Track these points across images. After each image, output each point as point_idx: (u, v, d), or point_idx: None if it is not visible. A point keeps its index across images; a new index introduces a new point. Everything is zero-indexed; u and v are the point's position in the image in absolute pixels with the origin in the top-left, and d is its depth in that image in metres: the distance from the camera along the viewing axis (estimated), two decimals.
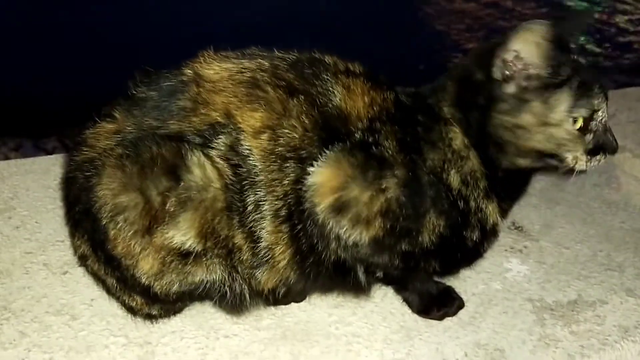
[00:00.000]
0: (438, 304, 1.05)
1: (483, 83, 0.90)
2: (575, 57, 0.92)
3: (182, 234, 0.84)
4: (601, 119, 0.91)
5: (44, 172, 1.37)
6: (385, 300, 1.08)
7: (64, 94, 2.66)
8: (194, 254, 0.86)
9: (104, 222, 0.85)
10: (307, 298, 1.06)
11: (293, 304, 1.05)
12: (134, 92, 0.89)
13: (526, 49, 0.85)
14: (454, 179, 0.92)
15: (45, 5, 3.42)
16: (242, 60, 0.91)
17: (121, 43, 2.91)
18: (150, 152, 0.84)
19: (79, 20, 3.30)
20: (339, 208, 0.87)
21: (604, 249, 1.28)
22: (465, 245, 0.95)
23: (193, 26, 3.24)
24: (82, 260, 0.97)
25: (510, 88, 0.88)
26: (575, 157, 0.91)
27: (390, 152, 0.88)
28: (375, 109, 0.90)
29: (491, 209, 0.95)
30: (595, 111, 0.89)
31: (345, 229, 0.87)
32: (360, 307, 1.06)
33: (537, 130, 0.89)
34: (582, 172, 0.93)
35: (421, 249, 0.91)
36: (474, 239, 0.95)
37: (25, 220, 1.23)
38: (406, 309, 1.06)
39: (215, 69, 0.89)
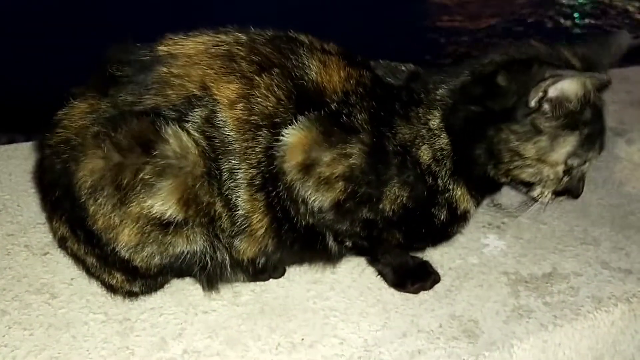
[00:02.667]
0: (413, 277, 1.07)
1: (511, 96, 0.89)
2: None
3: (161, 202, 0.85)
4: (585, 169, 0.94)
5: (25, 158, 1.37)
6: (362, 276, 1.09)
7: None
8: (174, 224, 0.87)
9: (83, 199, 0.86)
10: (286, 274, 1.07)
11: (272, 280, 1.06)
12: (109, 70, 0.90)
13: (574, 95, 0.87)
14: (425, 153, 0.93)
15: None
16: (219, 35, 0.92)
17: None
18: (125, 128, 0.85)
19: None
20: (305, 168, 0.89)
21: (581, 224, 1.29)
22: (432, 223, 0.97)
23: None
24: (62, 242, 0.98)
25: (536, 119, 0.89)
26: (542, 193, 0.95)
27: (360, 122, 0.90)
28: (351, 82, 0.92)
29: (460, 193, 0.97)
30: (585, 162, 0.92)
31: (309, 191, 0.90)
32: (338, 283, 1.08)
33: (531, 164, 0.91)
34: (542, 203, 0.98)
35: (383, 217, 0.93)
36: (442, 218, 0.97)
37: (7, 203, 1.24)
38: (383, 284, 1.08)
39: (190, 44, 0.91)
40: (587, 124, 0.90)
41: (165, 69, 0.88)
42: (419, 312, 1.03)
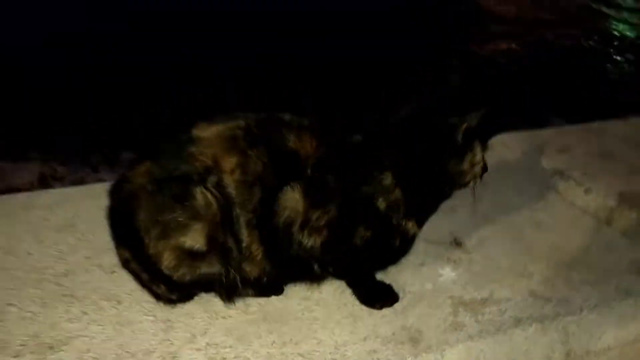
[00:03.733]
0: (379, 297, 1.45)
1: (438, 144, 1.31)
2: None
3: (193, 239, 1.26)
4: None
5: (97, 197, 1.80)
6: (342, 296, 1.47)
7: None
8: (200, 253, 1.28)
9: (141, 234, 1.28)
10: (283, 292, 1.46)
11: (273, 297, 1.45)
12: (161, 145, 1.32)
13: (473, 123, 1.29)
14: (382, 204, 1.32)
15: None
16: (227, 123, 1.33)
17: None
18: (168, 188, 1.26)
19: None
20: (303, 225, 1.28)
21: (523, 261, 1.65)
22: (391, 248, 1.37)
23: None
24: (125, 263, 1.39)
25: (463, 146, 1.31)
26: (477, 182, 1.38)
27: (332, 184, 1.29)
28: (320, 152, 1.31)
29: (410, 225, 1.36)
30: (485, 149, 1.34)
31: (304, 237, 1.29)
32: (322, 300, 1.46)
33: (470, 170, 1.34)
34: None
35: (355, 249, 1.33)
36: (397, 244, 1.37)
37: (85, 233, 1.67)
38: (356, 302, 1.45)
39: (210, 129, 1.31)
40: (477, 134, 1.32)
41: (194, 148, 1.29)
42: (379, 323, 1.40)
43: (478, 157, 1.33)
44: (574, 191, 2.06)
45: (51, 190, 1.90)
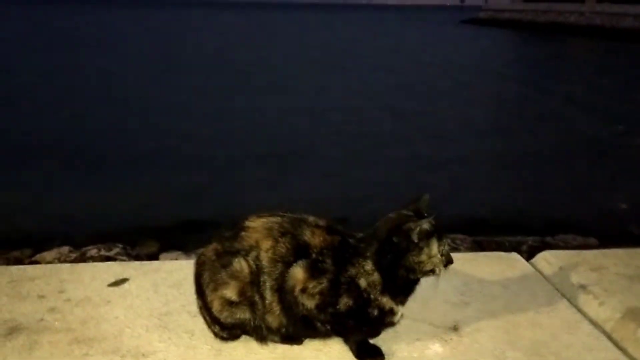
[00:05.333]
0: (369, 355, 1.93)
1: (401, 242, 1.83)
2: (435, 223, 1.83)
3: (230, 292, 1.89)
4: (447, 251, 1.83)
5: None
6: (344, 351, 1.98)
7: None
8: (235, 303, 1.90)
9: (204, 288, 1.95)
10: (303, 343, 2.01)
11: (295, 345, 2.01)
12: (223, 233, 2.01)
13: (427, 228, 1.81)
14: (362, 283, 1.85)
15: None
16: (270, 217, 1.97)
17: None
18: (222, 260, 1.93)
19: None
20: (302, 291, 1.86)
21: (505, 349, 2.02)
22: (369, 317, 1.87)
23: None
24: (199, 309, 2.06)
25: (419, 243, 1.82)
26: (440, 269, 1.83)
27: (327, 266, 1.86)
28: (325, 243, 1.90)
29: (385, 300, 1.86)
30: (444, 247, 1.81)
31: (304, 300, 1.86)
32: (330, 352, 1.98)
33: (428, 261, 1.82)
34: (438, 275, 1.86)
35: (340, 313, 1.85)
36: (375, 314, 1.87)
37: (187, 290, 2.38)
38: (352, 357, 1.95)
39: (257, 222, 1.97)
40: (435, 232, 1.80)
41: (244, 233, 1.95)
42: None
43: (434, 250, 1.81)
44: (589, 303, 2.35)
45: (172, 262, 2.67)
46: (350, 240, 1.93)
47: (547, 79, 19.07)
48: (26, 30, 37.03)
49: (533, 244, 4.39)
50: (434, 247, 1.82)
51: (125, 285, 2.44)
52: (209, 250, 2.00)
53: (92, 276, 2.51)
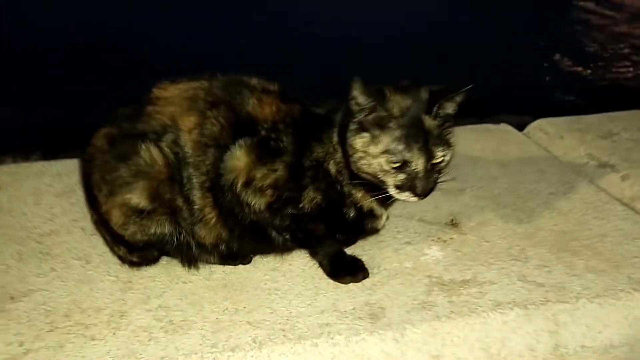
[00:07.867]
0: (346, 270, 1.36)
1: (349, 111, 1.23)
2: (406, 115, 1.20)
3: (136, 197, 1.24)
4: (414, 169, 1.19)
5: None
6: (310, 269, 1.40)
7: None
8: (146, 211, 1.26)
9: (95, 193, 1.28)
10: (252, 262, 1.41)
11: (240, 266, 1.41)
12: (120, 109, 1.33)
13: (356, 94, 1.18)
14: (332, 167, 1.25)
15: None
16: (190, 82, 1.30)
17: None
18: (120, 149, 1.26)
19: None
20: (246, 184, 1.23)
21: (521, 244, 1.50)
22: (345, 219, 1.30)
23: None
24: (95, 224, 1.40)
25: (356, 117, 1.21)
26: (388, 187, 1.22)
27: (284, 144, 1.23)
28: (280, 115, 1.25)
29: (360, 195, 1.27)
30: (406, 162, 1.18)
31: (249, 198, 1.24)
32: (289, 272, 1.39)
33: (361, 156, 1.21)
34: (398, 198, 1.24)
35: (304, 213, 1.26)
36: (352, 215, 1.29)
37: (81, 199, 1.70)
38: (324, 276, 1.37)
39: (170, 89, 1.30)
40: (397, 128, 1.17)
41: (152, 107, 1.28)
42: (341, 297, 1.31)
43: (376, 149, 1.19)
44: (608, 178, 1.86)
45: (64, 161, 1.96)
46: (317, 110, 1.30)
47: None
48: None
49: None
50: (381, 143, 1.19)
51: None
52: (99, 138, 1.32)
53: None
